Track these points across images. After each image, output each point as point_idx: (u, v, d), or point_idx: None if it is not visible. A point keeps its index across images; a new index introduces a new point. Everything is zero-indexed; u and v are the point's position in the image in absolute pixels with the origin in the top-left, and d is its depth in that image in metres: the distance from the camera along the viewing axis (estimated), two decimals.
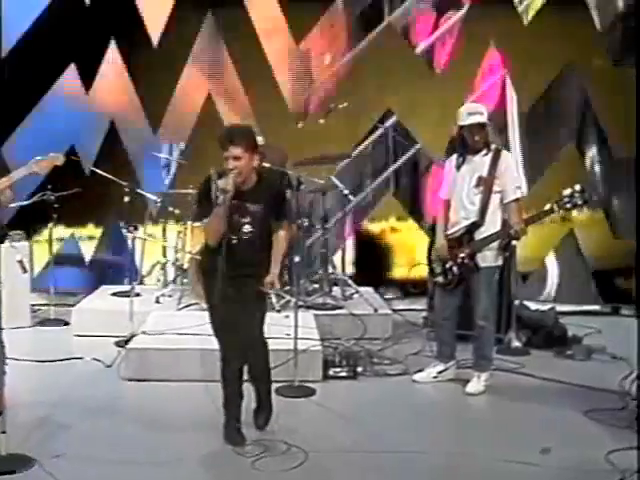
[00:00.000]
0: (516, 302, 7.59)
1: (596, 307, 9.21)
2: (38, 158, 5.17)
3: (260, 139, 7.91)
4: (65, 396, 5.92)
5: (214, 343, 5.20)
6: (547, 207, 5.92)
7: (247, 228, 4.87)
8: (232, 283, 4.78)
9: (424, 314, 8.29)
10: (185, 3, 8.78)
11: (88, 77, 8.91)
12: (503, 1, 9.02)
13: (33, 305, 8.34)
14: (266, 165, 7.45)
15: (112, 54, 8.96)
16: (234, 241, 4.83)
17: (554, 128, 9.20)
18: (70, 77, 8.91)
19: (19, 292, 7.61)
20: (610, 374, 6.42)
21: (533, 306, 8.25)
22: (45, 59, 8.59)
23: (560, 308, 8.27)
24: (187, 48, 8.94)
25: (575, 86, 9.12)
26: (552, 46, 8.79)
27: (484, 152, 6.03)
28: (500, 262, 6.12)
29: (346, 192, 8.02)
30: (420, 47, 9.17)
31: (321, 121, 8.16)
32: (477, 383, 6.18)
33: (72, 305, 8.18)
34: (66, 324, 7.99)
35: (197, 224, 6.46)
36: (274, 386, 5.86)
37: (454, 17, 9.07)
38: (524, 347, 7.43)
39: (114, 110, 9.02)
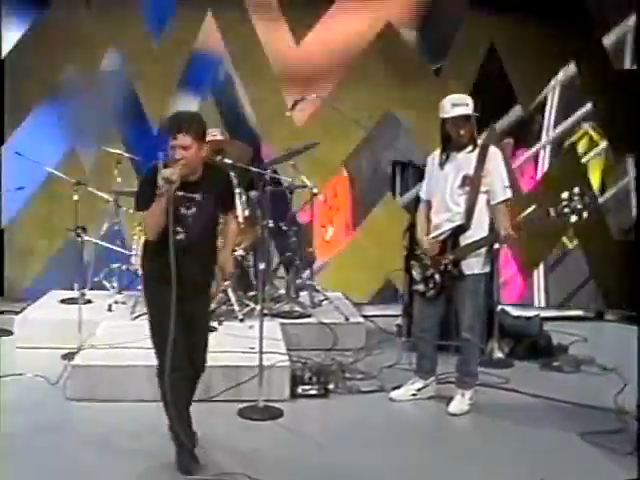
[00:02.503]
0: (498, 308, 7.06)
1: (579, 312, 8.77)
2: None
3: (217, 132, 7.53)
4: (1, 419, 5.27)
5: None
6: (539, 210, 5.36)
7: (194, 221, 4.47)
8: (180, 286, 4.31)
9: (398, 321, 7.74)
10: (185, 3, 8.69)
11: None
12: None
13: None
14: (229, 162, 6.98)
15: None
16: (180, 235, 4.40)
17: None
18: None
19: None
20: (602, 388, 6.01)
21: (513, 311, 7.74)
22: None
23: (541, 313, 7.78)
24: (187, 48, 8.75)
25: None
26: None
27: (470, 148, 5.48)
28: (487, 269, 5.59)
29: (315, 190, 7.42)
30: None
31: (288, 114, 7.59)
32: (461, 402, 5.62)
33: (18, 312, 7.54)
34: (10, 333, 7.33)
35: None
36: (236, 407, 5.44)
37: None
38: (507, 358, 6.90)
39: None
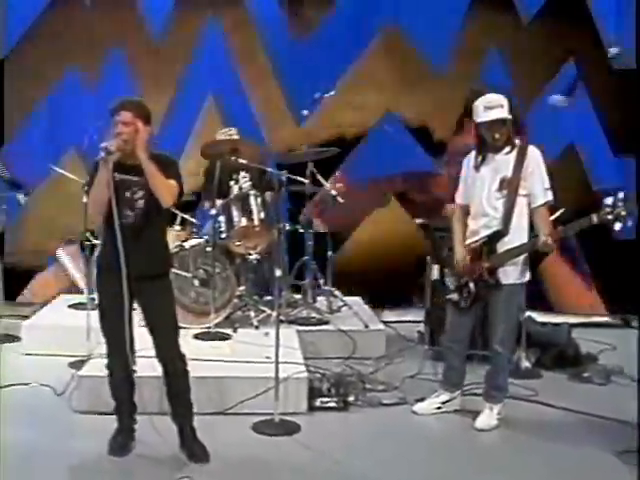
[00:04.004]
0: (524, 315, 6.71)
1: (605, 319, 8.44)
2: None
3: (234, 131, 7.29)
4: (2, 435, 4.97)
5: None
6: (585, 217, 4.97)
7: (140, 204, 4.49)
8: (130, 276, 4.38)
9: (419, 328, 7.44)
10: (185, 3, 8.54)
11: None
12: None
13: None
14: (243, 162, 6.72)
15: None
16: (129, 219, 4.46)
17: None
18: None
19: None
20: (634, 401, 5.49)
21: (539, 318, 7.41)
22: None
23: (565, 319, 7.51)
24: (187, 48, 8.64)
25: None
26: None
27: (507, 149, 5.16)
28: (526, 278, 5.24)
29: (334, 193, 7.13)
30: None
31: (304, 112, 7.30)
32: (489, 416, 5.31)
33: (26, 317, 7.32)
34: (17, 339, 7.06)
35: None
36: (250, 422, 5.14)
37: None
38: (534, 368, 6.59)
39: None
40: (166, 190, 4.43)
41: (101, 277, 4.64)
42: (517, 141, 5.19)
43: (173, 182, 4.48)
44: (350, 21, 8.65)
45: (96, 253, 6.68)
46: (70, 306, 7.45)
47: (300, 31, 8.74)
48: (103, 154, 4.30)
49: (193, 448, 4.65)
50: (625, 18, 8.28)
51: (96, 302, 4.82)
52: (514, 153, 5.14)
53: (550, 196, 5.16)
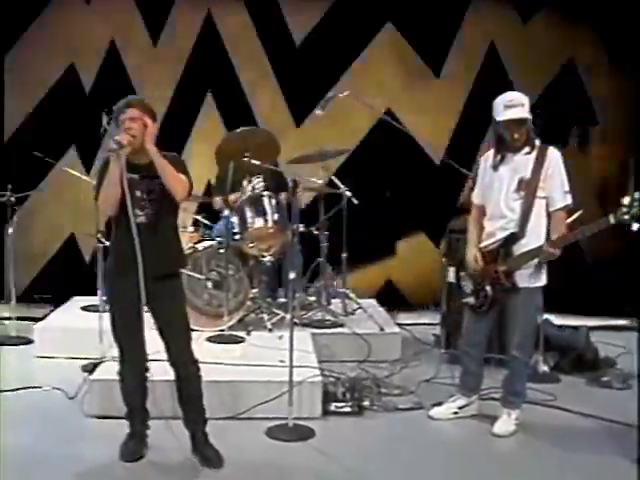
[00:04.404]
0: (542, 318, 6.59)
1: (624, 322, 8.31)
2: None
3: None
4: (14, 439, 4.94)
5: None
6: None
7: (151, 203, 4.41)
8: (143, 277, 4.27)
9: (435, 330, 7.35)
10: (185, 3, 8.58)
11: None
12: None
13: None
14: (255, 162, 6.65)
15: None
16: (140, 218, 4.35)
17: None
18: None
19: None
20: None
21: (557, 320, 7.29)
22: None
23: (583, 322, 7.38)
24: (187, 48, 8.61)
25: None
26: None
27: (527, 150, 5.03)
28: (542, 282, 5.11)
29: (349, 194, 7.04)
30: None
31: (318, 112, 7.21)
32: (507, 422, 5.21)
33: (39, 319, 7.27)
34: (30, 342, 7.02)
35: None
36: (263, 426, 5.05)
37: None
38: (552, 372, 6.49)
39: None
40: (179, 183, 4.36)
41: (112, 280, 4.56)
42: (537, 142, 5.07)
43: (184, 177, 4.42)
44: (350, 21, 8.62)
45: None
46: (83, 308, 7.40)
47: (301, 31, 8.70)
48: (115, 146, 4.21)
49: (206, 453, 4.58)
50: None
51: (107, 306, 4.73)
52: (534, 154, 5.02)
53: (569, 200, 5.04)
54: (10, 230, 7.13)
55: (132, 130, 4.32)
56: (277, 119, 8.59)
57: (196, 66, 8.61)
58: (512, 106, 4.95)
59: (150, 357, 4.64)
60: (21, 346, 7.05)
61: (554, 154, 5.05)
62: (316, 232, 7.23)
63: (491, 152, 5.21)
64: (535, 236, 5.00)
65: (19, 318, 7.46)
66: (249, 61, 8.65)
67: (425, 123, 8.66)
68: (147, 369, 4.63)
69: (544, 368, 6.45)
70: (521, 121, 4.97)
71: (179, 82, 8.59)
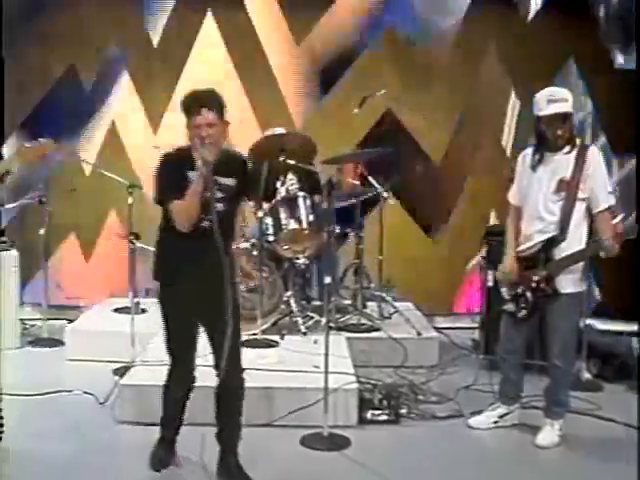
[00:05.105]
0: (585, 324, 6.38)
1: None
2: (27, 145, 4.28)
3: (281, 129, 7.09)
4: (41, 445, 4.83)
5: None
6: None
7: (220, 206, 4.11)
8: (202, 281, 4.09)
9: (474, 335, 7.17)
10: (185, 3, 8.44)
11: None
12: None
13: (23, 320, 7.40)
14: (291, 162, 6.52)
15: None
16: (205, 222, 4.06)
17: None
18: None
19: (7, 307, 6.86)
20: None
21: (599, 325, 7.06)
22: None
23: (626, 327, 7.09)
24: (187, 48, 8.48)
25: None
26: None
27: (567, 149, 4.83)
28: (584, 287, 4.95)
29: (385, 195, 6.88)
30: None
31: (355, 111, 7.06)
32: (550, 433, 5.02)
33: (70, 320, 7.23)
34: (61, 344, 6.94)
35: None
36: (298, 434, 4.90)
37: None
38: (595, 379, 6.29)
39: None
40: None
41: (168, 289, 4.26)
42: (578, 140, 4.89)
43: (240, 219, 4.41)
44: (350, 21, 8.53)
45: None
46: (115, 310, 7.31)
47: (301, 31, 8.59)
48: (203, 167, 3.95)
49: (232, 473, 4.33)
50: None
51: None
52: (574, 153, 4.83)
53: (613, 200, 4.85)
54: (42, 231, 7.04)
55: (212, 138, 4.01)
56: (278, 119, 8.32)
57: (196, 66, 8.50)
58: (555, 100, 4.77)
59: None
60: (53, 348, 7.00)
61: (595, 153, 4.87)
62: (352, 233, 7.07)
63: (529, 151, 5.03)
64: (576, 240, 4.82)
65: (51, 319, 7.42)
66: (249, 61, 8.52)
67: (425, 123, 8.51)
68: (194, 381, 4.44)
69: (587, 375, 6.26)
70: (565, 116, 4.79)
71: (179, 82, 8.43)
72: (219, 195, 4.10)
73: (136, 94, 8.44)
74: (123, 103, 8.45)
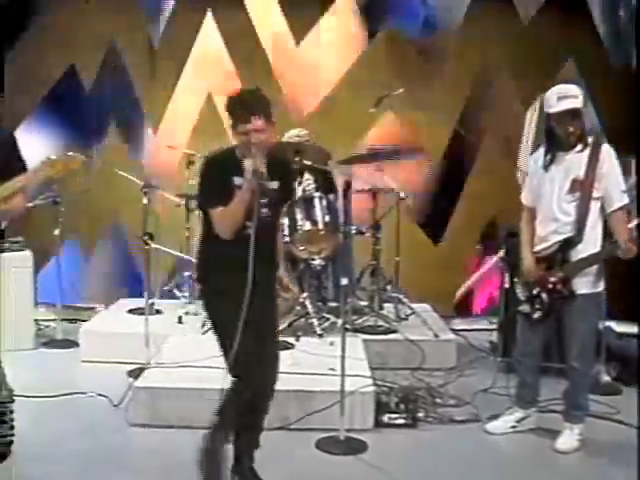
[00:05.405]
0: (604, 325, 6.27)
1: None
2: (53, 157, 4.17)
3: (305, 133, 7.05)
4: (54, 448, 4.80)
5: None
6: None
7: (265, 212, 3.98)
8: (252, 290, 3.82)
9: (492, 337, 7.09)
10: (185, 3, 8.52)
11: None
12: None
13: (37, 321, 7.38)
14: (307, 163, 6.47)
15: None
16: (249, 230, 3.86)
17: None
18: None
19: (21, 308, 6.81)
20: None
21: (618, 327, 6.96)
22: None
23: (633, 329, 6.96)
24: (187, 48, 8.50)
25: None
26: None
27: (579, 147, 4.74)
28: (601, 288, 4.84)
29: (402, 195, 6.82)
30: None
31: (372, 110, 7.00)
32: (570, 437, 4.94)
33: (84, 321, 7.24)
34: (75, 345, 6.90)
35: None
36: (314, 438, 4.85)
37: None
38: (613, 382, 6.19)
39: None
40: None
41: (216, 303, 4.09)
42: (590, 139, 4.79)
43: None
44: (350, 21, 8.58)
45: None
46: (129, 311, 7.27)
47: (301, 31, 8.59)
48: (253, 178, 3.81)
49: (246, 476, 4.20)
50: None
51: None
52: (587, 152, 4.73)
53: (627, 199, 4.76)
54: (56, 232, 7.01)
55: (261, 145, 3.90)
56: (278, 119, 8.33)
57: (196, 66, 8.53)
58: (566, 97, 4.68)
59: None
60: (67, 349, 6.95)
61: (608, 151, 4.77)
62: (369, 234, 7.01)
63: (541, 151, 4.94)
64: (592, 241, 4.74)
65: (65, 319, 7.40)
66: (249, 61, 8.52)
67: (425, 123, 8.52)
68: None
69: (606, 378, 6.17)
70: (576, 113, 4.69)
71: (179, 82, 8.50)
72: (263, 200, 3.95)
73: (136, 94, 8.48)
74: (123, 103, 8.49)
